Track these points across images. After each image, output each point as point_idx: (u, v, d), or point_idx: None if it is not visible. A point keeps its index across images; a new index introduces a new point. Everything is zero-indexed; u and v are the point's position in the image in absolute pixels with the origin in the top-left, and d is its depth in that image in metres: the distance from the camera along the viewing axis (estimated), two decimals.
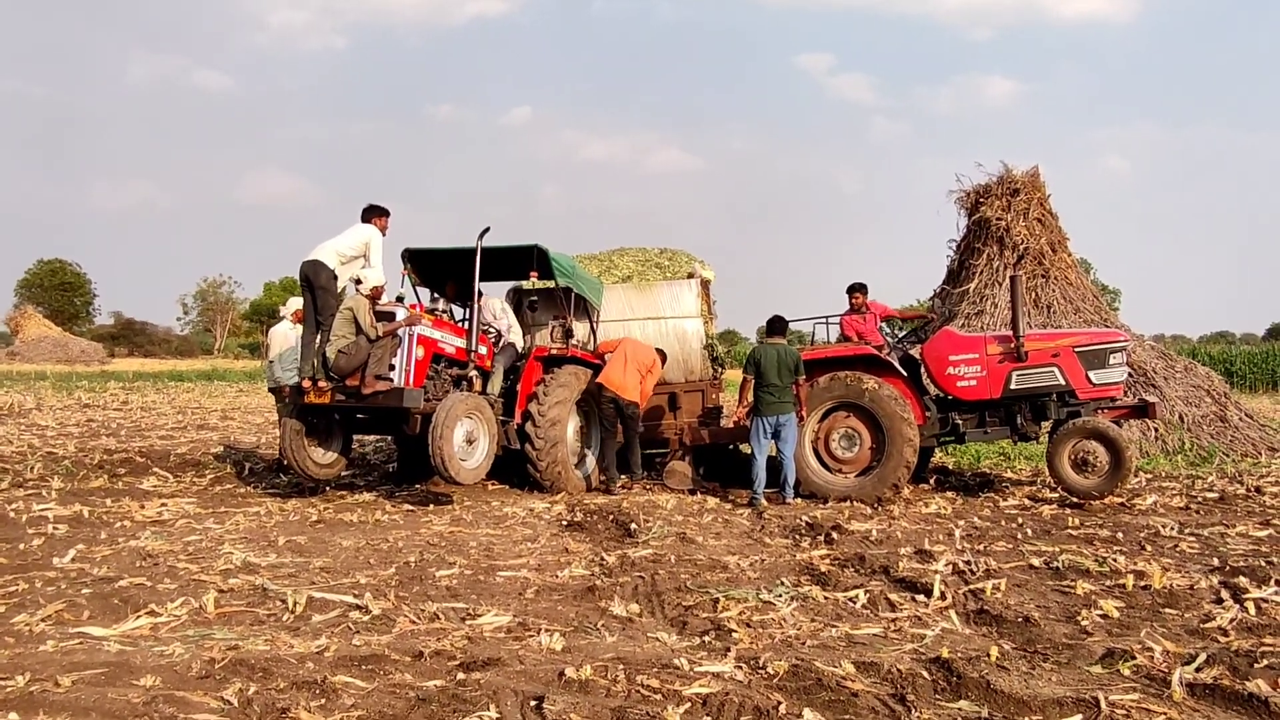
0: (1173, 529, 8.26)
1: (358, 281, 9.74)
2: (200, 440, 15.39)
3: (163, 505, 9.41)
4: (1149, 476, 11.85)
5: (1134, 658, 4.67)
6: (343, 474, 10.82)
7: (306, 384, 9.63)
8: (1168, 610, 5.72)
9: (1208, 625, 5.34)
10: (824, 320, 11.75)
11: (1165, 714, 3.96)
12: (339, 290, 9.90)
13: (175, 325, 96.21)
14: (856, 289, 11.70)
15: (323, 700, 4.10)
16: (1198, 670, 4.51)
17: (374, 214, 10.16)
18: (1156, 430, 13.83)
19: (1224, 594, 5.96)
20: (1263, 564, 6.76)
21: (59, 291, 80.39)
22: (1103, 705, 4.02)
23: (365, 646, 4.90)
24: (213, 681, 4.32)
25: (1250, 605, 5.65)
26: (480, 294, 11.19)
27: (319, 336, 9.69)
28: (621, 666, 4.51)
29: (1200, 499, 10.08)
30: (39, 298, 76.86)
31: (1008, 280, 14.35)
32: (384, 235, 10.11)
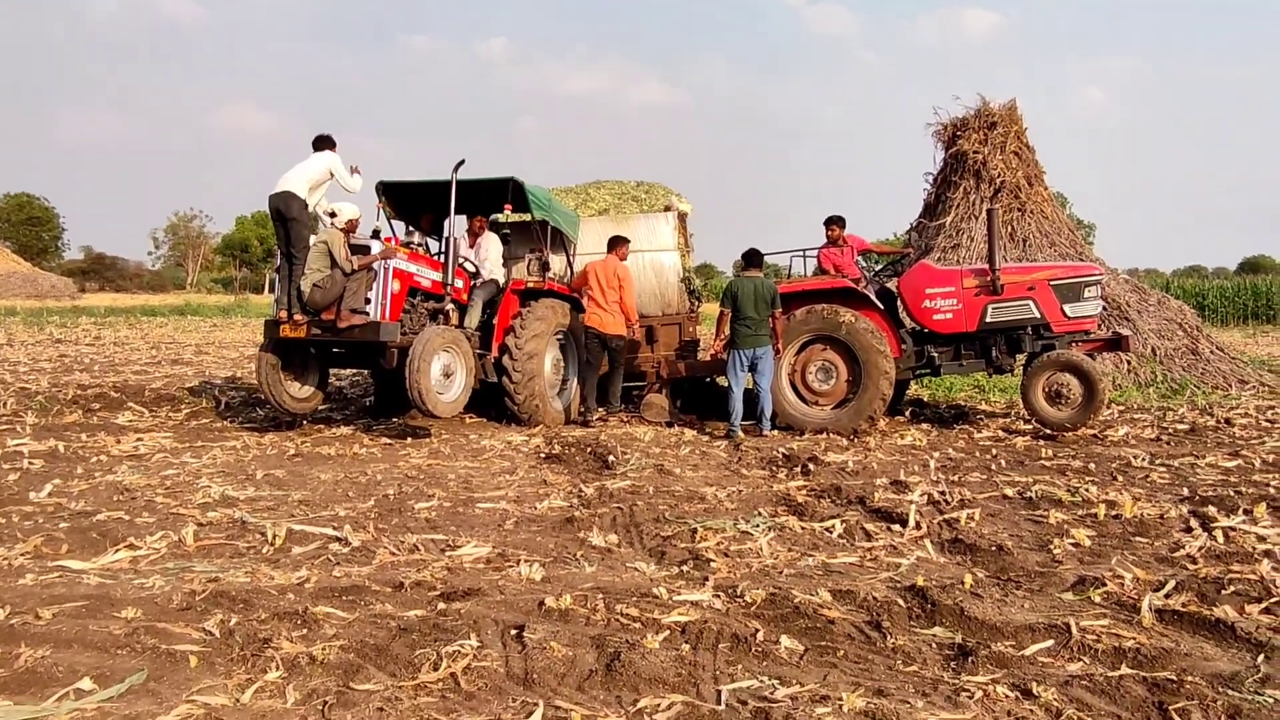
0: (1144, 460, 8.37)
1: (332, 214, 9.63)
2: (175, 375, 15.27)
3: (139, 440, 9.37)
4: (1121, 408, 11.98)
5: (1105, 585, 4.75)
6: (320, 408, 10.78)
7: (282, 317, 9.56)
8: (1138, 539, 5.81)
9: (1177, 553, 5.43)
10: (801, 253, 11.73)
11: (1135, 639, 4.03)
12: (311, 220, 9.81)
13: (147, 260, 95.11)
14: (834, 221, 11.65)
15: (304, 630, 4.12)
16: (1167, 597, 4.59)
17: (326, 142, 10.14)
18: (1129, 363, 13.97)
19: (1193, 523, 6.06)
20: (1231, 493, 6.86)
21: (27, 226, 79.05)
22: (1074, 631, 4.09)
23: (345, 578, 4.92)
24: (194, 613, 4.32)
25: (1218, 534, 5.75)
26: (482, 229, 11.12)
27: (293, 270, 9.60)
28: (601, 596, 4.55)
29: (1171, 430, 10.21)
30: (6, 232, 75.61)
31: (984, 214, 14.36)
32: None
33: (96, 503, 6.66)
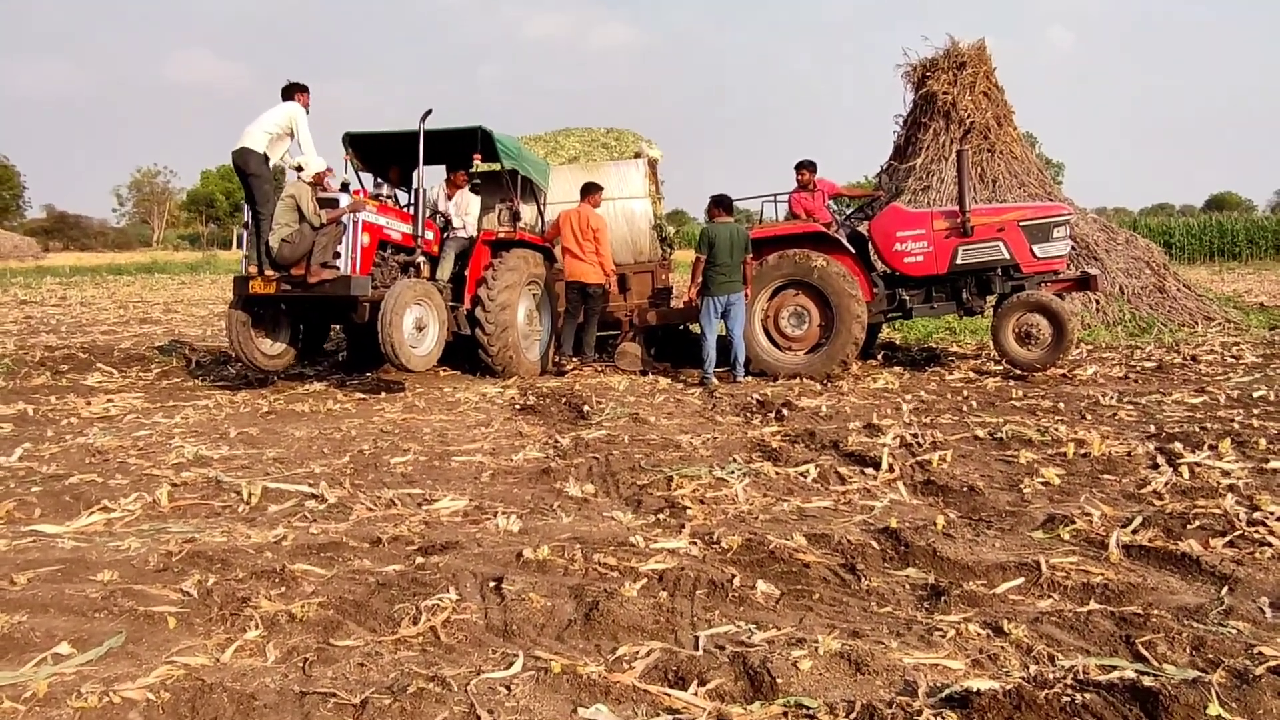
0: (1112, 398, 8.47)
1: (299, 169, 9.50)
2: (144, 334, 15.15)
3: (109, 401, 9.29)
4: (1090, 348, 12.10)
5: (1073, 523, 4.82)
6: (292, 364, 10.73)
7: (251, 273, 9.46)
8: (1106, 476, 5.90)
9: (1144, 490, 5.52)
10: (772, 198, 11.70)
11: (1103, 575, 4.10)
12: (274, 174, 9.69)
13: (111, 218, 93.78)
14: (804, 166, 11.62)
15: (283, 589, 4.12)
16: (1134, 533, 4.67)
17: (295, 91, 9.91)
18: (1098, 302, 14.09)
19: (1159, 460, 6.14)
20: (1197, 430, 6.96)
21: None
22: (1044, 568, 4.16)
23: (323, 535, 4.92)
24: (171, 574, 4.31)
25: (1184, 470, 5.84)
26: (473, 184, 10.99)
27: (260, 226, 9.49)
28: (578, 546, 4.57)
29: (1139, 369, 10.33)
30: None
31: (954, 155, 14.35)
32: (307, 111, 9.85)
33: (68, 465, 6.61)
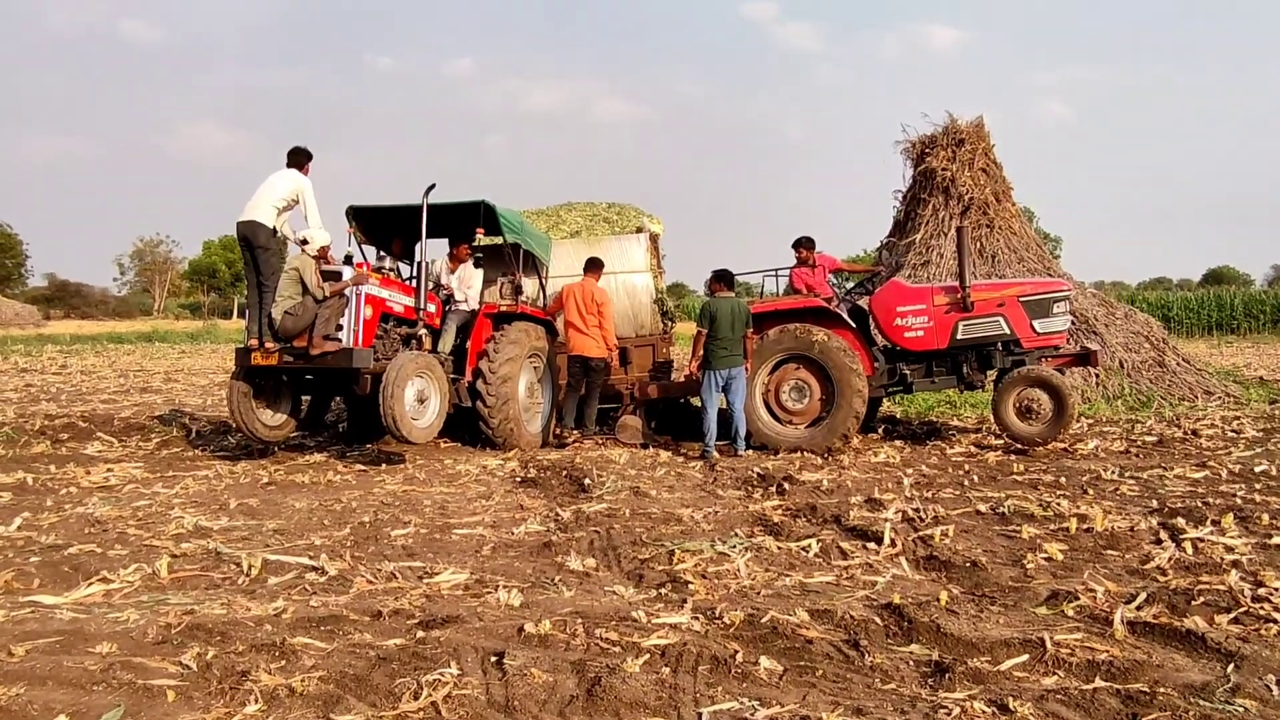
0: (1114, 472, 8.48)
1: (304, 242, 9.61)
2: (144, 403, 15.17)
3: (109, 471, 9.29)
4: (1090, 422, 12.12)
5: (1077, 598, 4.82)
6: (292, 436, 10.74)
7: (254, 345, 9.52)
8: (1109, 551, 5.90)
9: (1147, 565, 5.52)
10: (773, 273, 11.81)
11: (1108, 651, 4.09)
12: (280, 246, 9.78)
13: (112, 286, 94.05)
14: (802, 243, 11.75)
15: (282, 662, 4.11)
16: (1138, 609, 4.66)
17: (300, 157, 10.05)
18: (1098, 376, 14.13)
19: (1163, 535, 6.15)
20: (1199, 505, 6.97)
21: None
22: (1048, 645, 4.15)
23: (323, 607, 4.91)
24: (170, 646, 4.30)
25: (1188, 545, 5.84)
26: (475, 257, 11.06)
27: (264, 298, 9.57)
28: (580, 620, 4.57)
29: (1140, 443, 10.34)
30: None
31: (954, 231, 14.52)
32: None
33: (68, 535, 6.60)
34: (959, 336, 10.50)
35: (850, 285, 12.63)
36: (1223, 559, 5.52)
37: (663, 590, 5.26)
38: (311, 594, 5.25)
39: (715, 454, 10.09)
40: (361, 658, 4.13)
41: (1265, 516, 6.48)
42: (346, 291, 9.43)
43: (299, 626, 4.60)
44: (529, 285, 11.81)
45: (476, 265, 11.38)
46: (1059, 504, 7.11)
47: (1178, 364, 14.94)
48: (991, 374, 10.84)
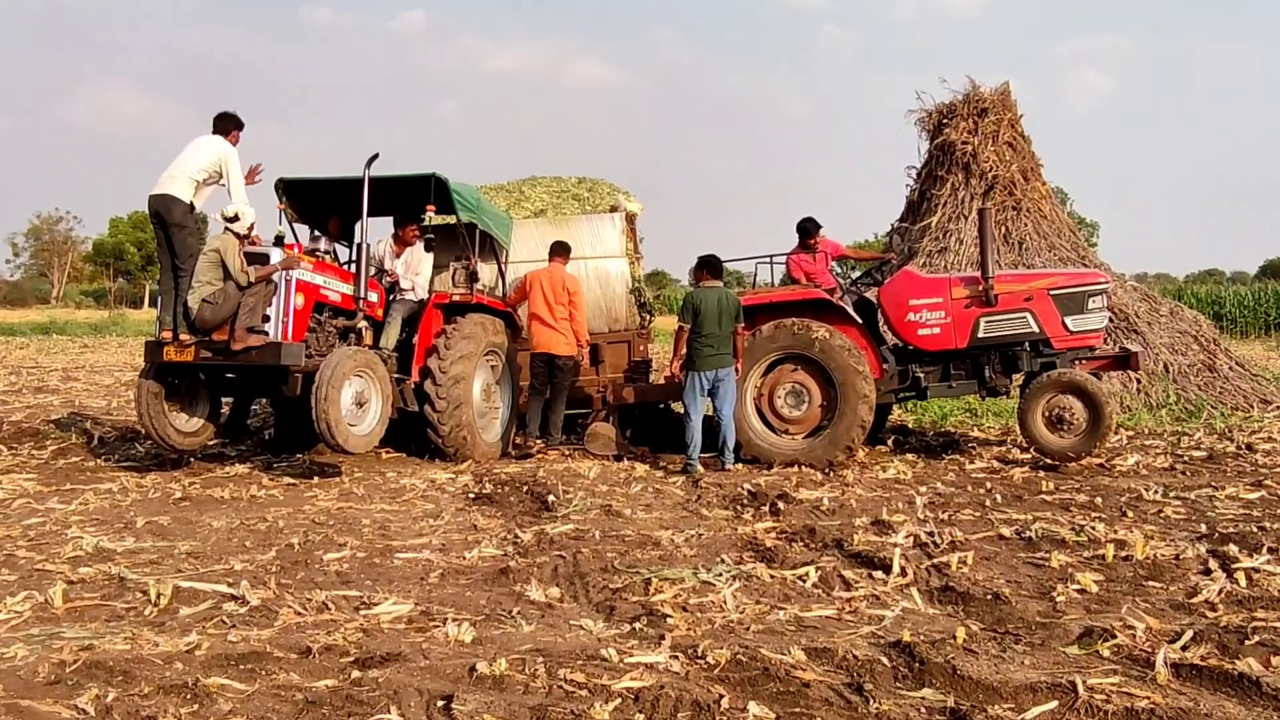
0: (1157, 492, 8.51)
1: (233, 219, 9.49)
2: (38, 405, 15.05)
3: None
4: (1130, 434, 12.18)
5: (1114, 637, 4.82)
6: (210, 443, 10.66)
7: (166, 337, 9.45)
8: (1151, 583, 5.91)
9: (1194, 599, 5.53)
10: (768, 259, 11.78)
11: (1149, 698, 4.10)
12: (198, 224, 9.70)
13: (3, 269, 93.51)
14: (807, 225, 11.74)
15: (195, 706, 4.07)
16: (1184, 649, 4.67)
17: (228, 124, 9.96)
18: (1139, 382, 14.20)
19: (1212, 564, 6.17)
20: (1254, 530, 7.01)
21: None
22: (1080, 690, 4.15)
23: (243, 643, 4.87)
24: (64, 687, 4.26)
25: (1240, 576, 5.86)
26: (425, 239, 10.99)
27: (179, 283, 9.49)
28: (541, 659, 4.55)
29: (1186, 458, 10.40)
30: None
31: (975, 213, 14.55)
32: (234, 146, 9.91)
33: None
34: (980, 335, 10.52)
35: (856, 275, 12.65)
36: None
37: (637, 625, 5.24)
38: (230, 627, 5.21)
39: (699, 468, 10.09)
40: (287, 701, 4.11)
41: None
42: (274, 277, 9.37)
43: (214, 665, 4.55)
44: (486, 272, 11.77)
45: (426, 248, 11.31)
46: (1094, 528, 7.13)
47: (1230, 368, 15.04)
48: (1018, 378, 10.88)
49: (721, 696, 4.15)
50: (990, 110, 16.43)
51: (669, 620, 5.26)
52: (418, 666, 4.53)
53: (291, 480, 9.67)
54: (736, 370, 10.25)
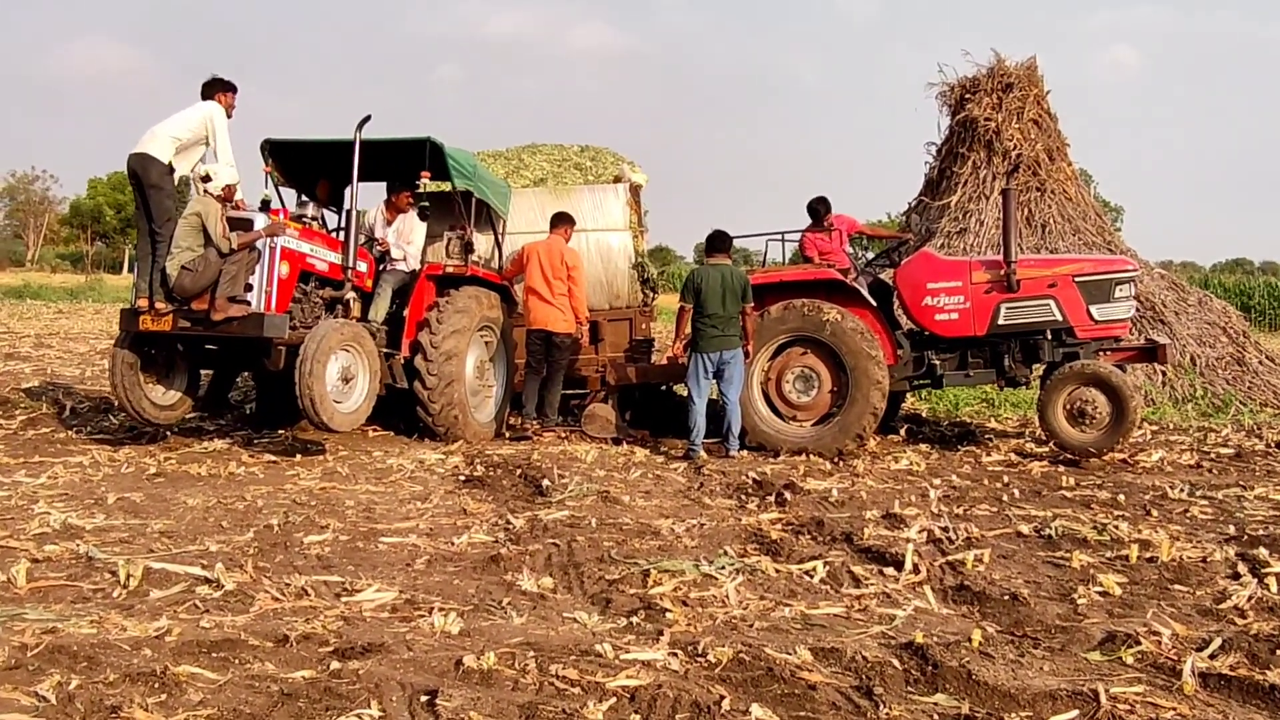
0: (1182, 491, 8.49)
1: (205, 179, 9.45)
2: (9, 372, 15.02)
3: None
4: (1155, 429, 12.17)
5: (1139, 643, 4.79)
6: (188, 417, 10.63)
7: (143, 305, 9.39)
8: (1177, 586, 5.89)
9: (1223, 605, 5.50)
10: (779, 236, 11.72)
11: (1175, 709, 4.07)
12: (177, 187, 9.64)
13: None
14: (820, 204, 11.63)
15: (163, 695, 4.05)
16: (1212, 657, 4.64)
17: (218, 89, 9.87)
18: (1165, 375, 14.19)
19: (1241, 568, 6.14)
20: None
21: None
22: (1102, 698, 4.12)
23: (216, 629, 4.85)
24: (25, 673, 4.23)
25: (1271, 582, 5.82)
26: (407, 206, 10.95)
27: (157, 248, 9.43)
28: (531, 654, 4.52)
29: (1214, 455, 10.39)
30: None
31: (998, 193, 14.54)
32: (230, 116, 9.83)
33: None
34: (1000, 322, 10.47)
35: (871, 255, 12.59)
36: None
37: (634, 619, 5.22)
38: (203, 612, 5.18)
39: (702, 454, 10.06)
40: (261, 692, 4.08)
41: None
42: (258, 244, 9.31)
43: (185, 652, 4.52)
44: (482, 242, 11.71)
45: (420, 217, 11.27)
46: (1117, 527, 7.11)
47: (1260, 362, 15.03)
48: (1038, 368, 10.83)
49: (722, 697, 4.12)
50: (1016, 85, 16.39)
51: (668, 615, 5.24)
52: (401, 658, 4.50)
53: (273, 458, 9.64)
54: (747, 353, 10.20)
